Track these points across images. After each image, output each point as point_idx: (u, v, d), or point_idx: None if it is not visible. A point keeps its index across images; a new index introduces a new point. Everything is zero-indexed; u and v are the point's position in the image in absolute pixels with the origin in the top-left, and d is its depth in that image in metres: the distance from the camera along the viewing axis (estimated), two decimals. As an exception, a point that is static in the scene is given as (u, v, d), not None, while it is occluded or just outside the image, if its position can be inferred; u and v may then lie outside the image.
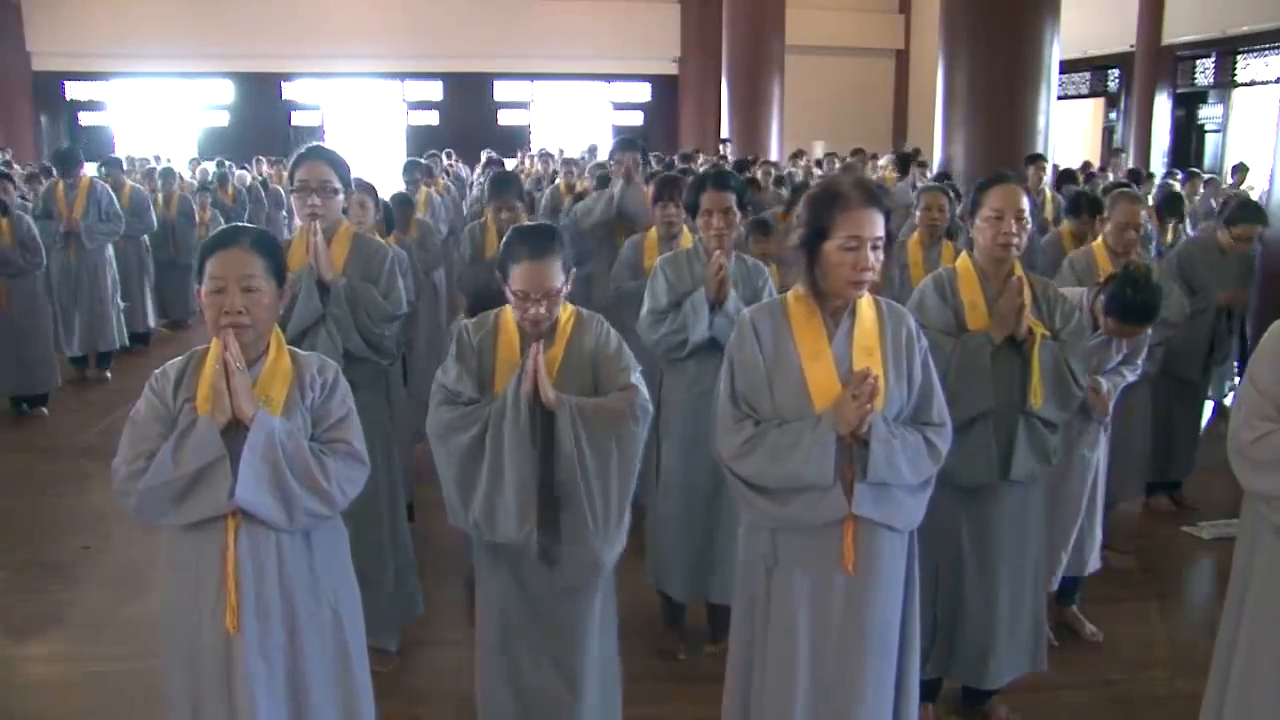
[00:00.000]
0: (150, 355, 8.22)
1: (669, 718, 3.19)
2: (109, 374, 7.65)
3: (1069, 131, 16.64)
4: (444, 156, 12.02)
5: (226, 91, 19.13)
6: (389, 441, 3.45)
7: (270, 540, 2.14)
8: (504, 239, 2.55)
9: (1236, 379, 6.41)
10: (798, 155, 12.81)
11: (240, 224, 2.38)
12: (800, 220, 2.26)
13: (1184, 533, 4.75)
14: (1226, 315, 4.95)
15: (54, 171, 7.64)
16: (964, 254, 3.01)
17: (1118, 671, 3.50)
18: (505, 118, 20.25)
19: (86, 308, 7.34)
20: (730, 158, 12.25)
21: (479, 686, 2.65)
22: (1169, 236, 6.43)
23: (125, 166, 10.51)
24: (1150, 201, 6.86)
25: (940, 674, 3.02)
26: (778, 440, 2.20)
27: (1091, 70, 17.46)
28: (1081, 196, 5.42)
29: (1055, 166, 8.65)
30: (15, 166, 11.92)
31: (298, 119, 19.39)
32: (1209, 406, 6.11)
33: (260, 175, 12.96)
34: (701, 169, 9.12)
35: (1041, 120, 8.01)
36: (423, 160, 8.56)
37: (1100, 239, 4.08)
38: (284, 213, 11.59)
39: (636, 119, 20.63)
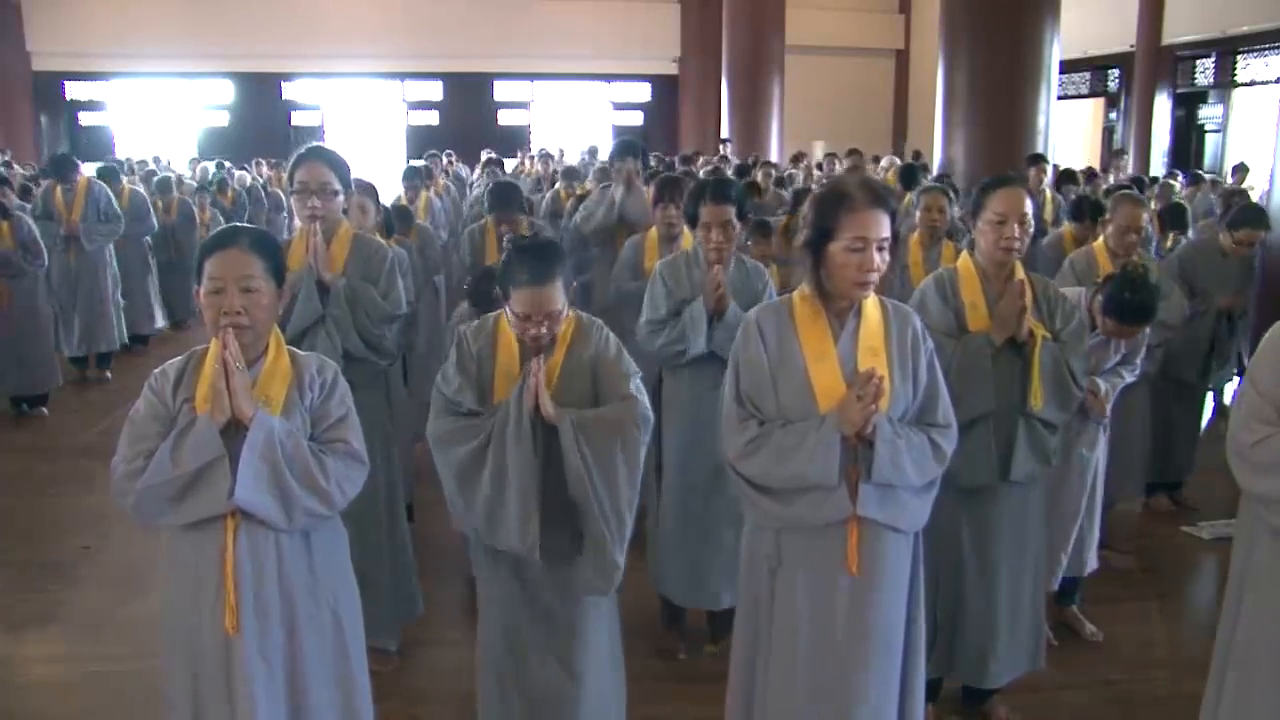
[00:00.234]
0: (150, 355, 8.22)
1: (669, 718, 3.19)
2: (109, 374, 7.65)
3: (1069, 132, 16.64)
4: (444, 157, 11.98)
5: (226, 91, 19.13)
6: (389, 442, 3.45)
7: (270, 540, 2.14)
8: (505, 256, 2.53)
9: (1237, 379, 6.40)
10: (798, 158, 12.76)
11: (239, 224, 2.37)
12: (806, 221, 2.26)
13: (1184, 533, 4.75)
14: (1227, 318, 4.94)
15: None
16: (965, 254, 3.00)
17: (1118, 671, 3.50)
18: (505, 118, 20.23)
19: (86, 308, 7.34)
20: (732, 158, 12.21)
21: (480, 685, 2.66)
22: (1169, 243, 6.41)
23: (124, 170, 10.49)
24: (1154, 206, 6.84)
25: (940, 674, 3.02)
26: (782, 440, 2.20)
27: (1091, 70, 17.45)
28: (1083, 201, 5.40)
29: (1055, 167, 8.64)
30: (15, 168, 11.93)
31: (298, 119, 19.38)
32: (1209, 406, 6.10)
33: (260, 178, 12.93)
34: (701, 171, 9.13)
35: (1041, 120, 8.01)
36: (421, 163, 8.44)
37: (1101, 240, 4.08)
38: (284, 215, 11.57)
39: (636, 119, 20.62)
